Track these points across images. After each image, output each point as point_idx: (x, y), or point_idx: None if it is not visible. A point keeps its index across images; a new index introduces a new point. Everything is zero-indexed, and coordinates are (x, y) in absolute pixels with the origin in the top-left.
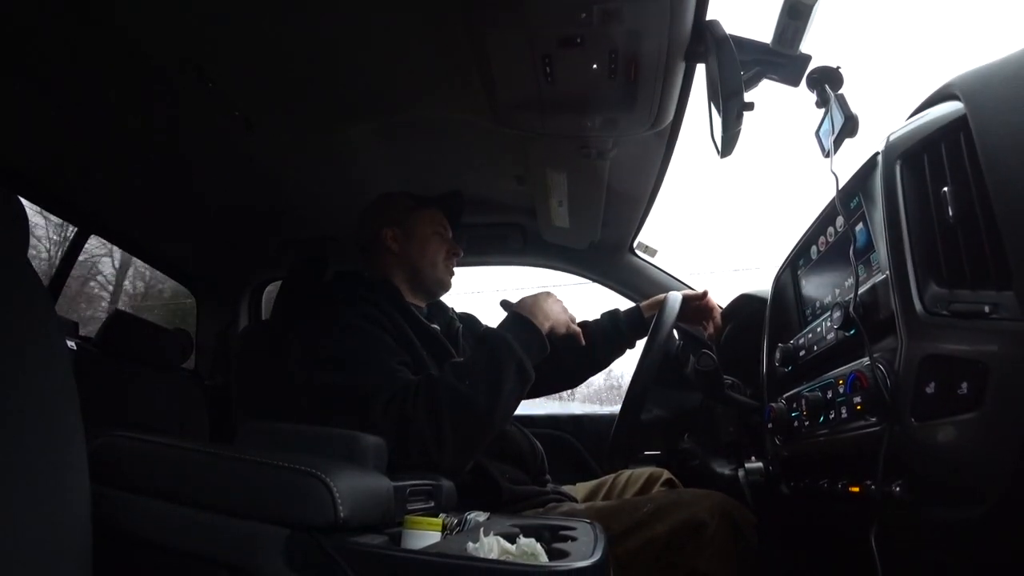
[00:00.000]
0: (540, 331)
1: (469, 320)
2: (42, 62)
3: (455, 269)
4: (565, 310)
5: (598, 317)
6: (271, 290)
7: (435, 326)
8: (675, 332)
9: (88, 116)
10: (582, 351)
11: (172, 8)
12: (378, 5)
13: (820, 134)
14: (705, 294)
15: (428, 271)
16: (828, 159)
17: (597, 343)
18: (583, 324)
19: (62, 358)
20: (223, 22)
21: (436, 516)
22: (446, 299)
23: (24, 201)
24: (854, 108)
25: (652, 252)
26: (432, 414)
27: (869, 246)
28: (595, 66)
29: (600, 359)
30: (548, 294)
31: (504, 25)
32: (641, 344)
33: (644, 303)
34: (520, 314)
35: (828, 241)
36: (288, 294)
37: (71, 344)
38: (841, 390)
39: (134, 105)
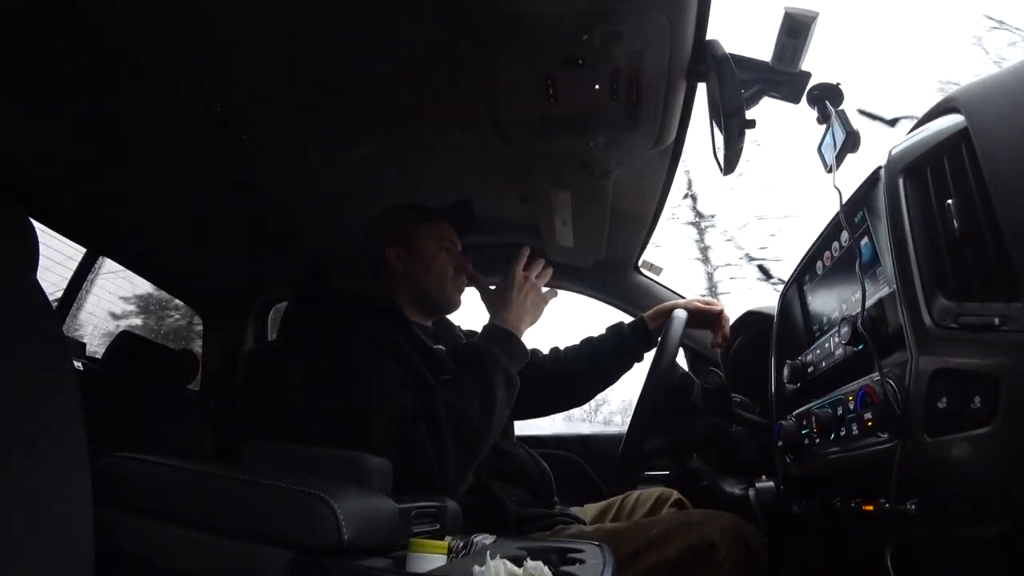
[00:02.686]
0: (519, 338)
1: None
2: (52, 83)
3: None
4: (536, 292)
5: (603, 332)
6: (277, 310)
7: (440, 347)
8: (681, 350)
9: (98, 138)
10: (589, 368)
11: (182, 31)
12: (383, 28)
13: (822, 150)
14: (713, 301)
15: (435, 290)
16: (831, 174)
17: (604, 358)
18: (588, 339)
19: (69, 378)
20: (232, 45)
21: (442, 539)
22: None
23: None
24: (855, 124)
25: (657, 270)
26: (432, 431)
27: (875, 260)
28: (597, 86)
29: (608, 375)
30: (509, 289)
31: (506, 46)
32: (648, 357)
33: (648, 313)
34: (498, 325)
35: (833, 256)
36: (292, 314)
37: (78, 364)
38: (851, 406)
39: (143, 127)
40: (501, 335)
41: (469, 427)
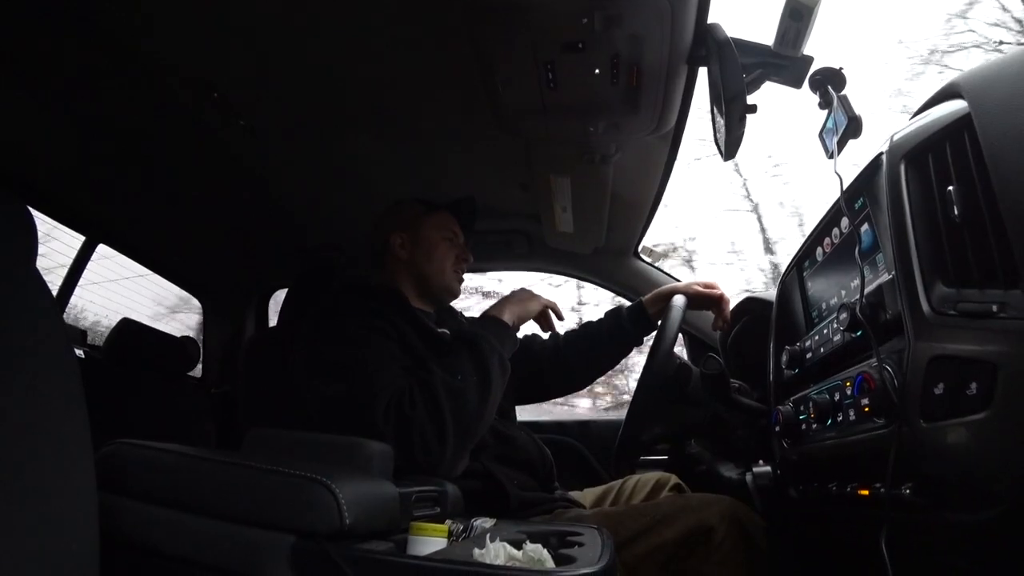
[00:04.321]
0: (509, 326)
1: None
2: (51, 74)
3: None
4: (532, 296)
5: (601, 317)
6: (277, 297)
7: (444, 330)
8: (680, 336)
9: (95, 126)
10: (588, 352)
11: (179, 20)
12: (382, 15)
13: (823, 135)
14: (713, 284)
15: (436, 277)
16: (832, 160)
17: (603, 343)
18: (587, 324)
19: (70, 366)
20: (229, 33)
21: (442, 522)
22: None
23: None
24: (857, 109)
25: (657, 256)
26: (432, 409)
27: (875, 247)
28: (597, 71)
29: (607, 359)
30: (515, 293)
31: (506, 32)
32: (648, 341)
33: (646, 298)
34: (490, 315)
35: (833, 242)
36: (294, 302)
37: (79, 352)
38: (848, 392)
39: (141, 115)
40: (492, 323)
41: (466, 406)
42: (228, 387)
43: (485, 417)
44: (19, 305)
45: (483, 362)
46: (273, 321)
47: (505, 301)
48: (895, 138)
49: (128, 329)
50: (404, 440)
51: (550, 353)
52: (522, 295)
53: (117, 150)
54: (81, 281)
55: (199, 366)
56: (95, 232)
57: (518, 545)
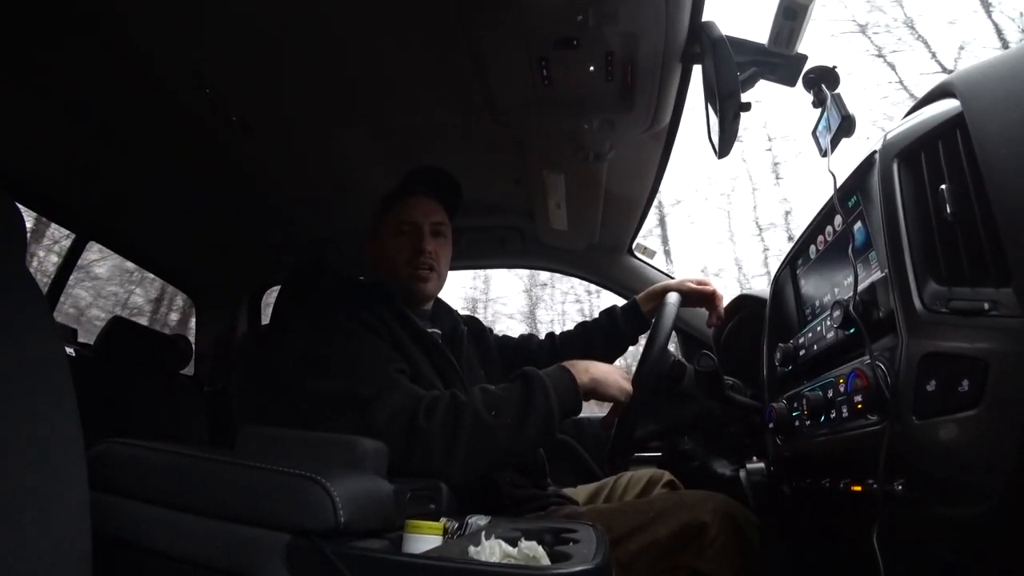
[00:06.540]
0: (579, 390)
1: (474, 324)
2: (41, 69)
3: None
4: (619, 383)
5: (597, 316)
6: (270, 294)
7: (436, 330)
8: (674, 333)
9: (86, 122)
10: (584, 352)
11: (171, 15)
12: (375, 10)
13: (817, 133)
14: (706, 281)
15: (398, 278)
16: (825, 158)
17: (597, 342)
18: (582, 324)
19: (60, 364)
20: (221, 28)
21: (437, 520)
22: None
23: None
24: (851, 108)
25: (651, 253)
26: (449, 431)
27: (868, 245)
28: (592, 68)
29: (602, 358)
30: (609, 368)
31: (500, 28)
32: (642, 339)
33: (640, 296)
34: (566, 367)
35: (827, 240)
36: (286, 299)
37: (69, 351)
38: (842, 389)
39: (132, 110)
40: (563, 377)
41: (486, 444)
42: (221, 385)
43: (503, 461)
44: (8, 303)
45: (528, 411)
46: (266, 319)
47: (593, 365)
48: (888, 136)
49: (119, 327)
50: (406, 446)
51: (546, 353)
52: (614, 373)
53: (107, 145)
54: None
55: (191, 364)
56: (85, 229)
57: (513, 542)
